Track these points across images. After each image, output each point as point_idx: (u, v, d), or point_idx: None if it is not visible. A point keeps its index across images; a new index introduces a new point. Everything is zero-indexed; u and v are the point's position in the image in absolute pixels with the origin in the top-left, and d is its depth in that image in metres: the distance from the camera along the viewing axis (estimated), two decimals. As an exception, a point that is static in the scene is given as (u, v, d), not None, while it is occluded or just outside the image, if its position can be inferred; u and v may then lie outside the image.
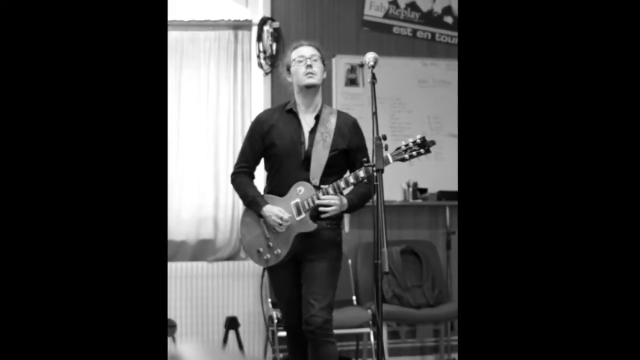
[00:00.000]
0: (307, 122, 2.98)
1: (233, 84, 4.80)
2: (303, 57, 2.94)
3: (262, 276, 3.12)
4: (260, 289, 4.65)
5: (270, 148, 2.98)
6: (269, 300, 4.47)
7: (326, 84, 5.07)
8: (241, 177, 3.05)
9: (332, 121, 2.97)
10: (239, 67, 4.83)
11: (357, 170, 2.83)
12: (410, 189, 4.96)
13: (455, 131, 5.11)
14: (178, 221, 4.70)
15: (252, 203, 2.98)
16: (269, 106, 4.86)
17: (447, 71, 5.16)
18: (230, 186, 4.83)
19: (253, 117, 4.91)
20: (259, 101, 4.91)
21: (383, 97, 4.90)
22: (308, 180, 2.91)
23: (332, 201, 2.84)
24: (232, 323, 4.51)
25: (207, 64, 4.79)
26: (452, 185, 4.89)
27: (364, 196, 2.95)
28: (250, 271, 4.67)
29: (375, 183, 2.38)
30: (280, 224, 2.90)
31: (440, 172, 5.02)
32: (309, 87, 2.95)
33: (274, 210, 2.91)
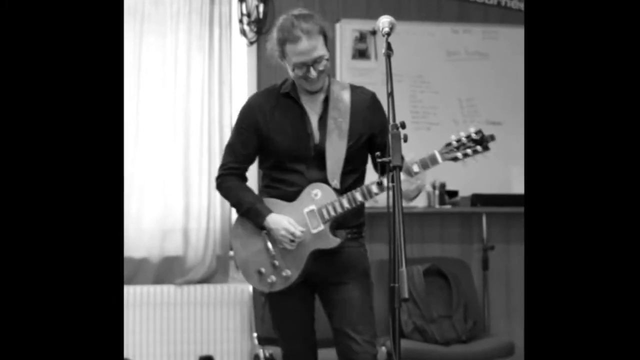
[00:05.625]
0: (312, 108, 2.96)
1: (208, 57, 4.80)
2: (304, 64, 2.84)
3: (265, 304, 3.06)
4: (247, 320, 4.65)
5: (268, 144, 2.95)
6: (255, 334, 4.47)
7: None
8: (231, 180, 3.01)
9: (346, 100, 2.95)
10: (215, 35, 4.83)
11: (377, 181, 2.82)
12: (437, 192, 4.96)
13: (495, 118, 5.12)
14: (137, 234, 4.69)
15: (251, 212, 2.94)
16: (254, 85, 4.87)
17: (483, 40, 5.16)
18: (204, 190, 4.92)
19: (233, 100, 4.99)
20: (242, 79, 4.90)
21: (401, 74, 4.90)
22: (324, 181, 2.89)
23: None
24: (207, 364, 4.50)
25: (174, 31, 4.79)
26: (490, 187, 4.90)
27: None
28: (230, 297, 4.67)
29: (391, 184, 2.37)
30: (293, 240, 2.86)
31: (475, 171, 4.96)
32: (310, 93, 2.94)
33: (282, 222, 2.86)
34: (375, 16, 2.82)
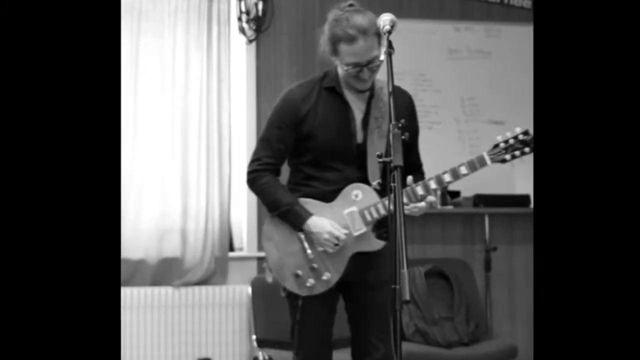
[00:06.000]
0: (357, 105, 2.90)
1: (206, 56, 4.80)
2: (358, 64, 2.77)
3: (300, 309, 2.87)
4: (246, 322, 4.65)
5: (308, 140, 2.87)
6: (254, 337, 4.47)
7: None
8: (266, 176, 2.90)
9: (385, 99, 2.88)
10: (214, 33, 4.83)
11: (427, 180, 2.82)
12: (439, 192, 4.95)
13: (497, 117, 5.12)
14: (135, 234, 4.69)
15: (289, 213, 2.85)
16: (253, 84, 4.87)
17: (486, 38, 5.16)
18: (203, 191, 4.90)
19: (232, 100, 4.99)
20: (241, 78, 4.90)
21: (403, 72, 4.90)
22: (365, 182, 2.85)
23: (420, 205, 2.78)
24: (205, 367, 4.50)
25: (172, 29, 4.79)
26: (492, 187, 4.90)
27: None
28: (229, 299, 4.67)
29: (392, 184, 2.37)
30: (337, 244, 2.80)
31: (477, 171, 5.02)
32: (360, 92, 2.88)
33: (325, 225, 2.80)
34: (376, 14, 2.82)
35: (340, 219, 2.82)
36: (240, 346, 4.64)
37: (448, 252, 5.07)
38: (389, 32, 2.61)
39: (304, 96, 2.88)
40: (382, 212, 2.79)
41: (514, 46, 5.14)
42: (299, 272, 2.84)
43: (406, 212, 2.74)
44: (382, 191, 2.82)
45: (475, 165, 2.83)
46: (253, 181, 2.92)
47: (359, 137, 2.86)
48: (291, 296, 2.88)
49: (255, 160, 2.92)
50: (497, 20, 5.18)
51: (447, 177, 2.84)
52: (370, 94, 2.89)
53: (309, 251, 2.84)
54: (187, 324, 4.64)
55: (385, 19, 2.64)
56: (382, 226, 2.86)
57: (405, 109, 2.89)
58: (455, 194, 5.00)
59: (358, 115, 2.88)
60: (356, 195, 2.82)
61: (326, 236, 2.79)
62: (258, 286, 4.59)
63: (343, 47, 2.77)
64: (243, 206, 4.90)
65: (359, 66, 2.76)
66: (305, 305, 2.87)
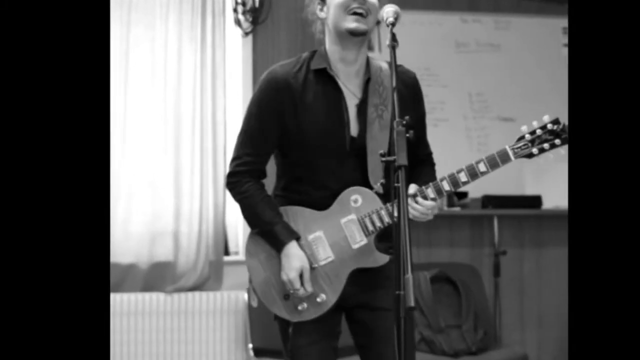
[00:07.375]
0: (350, 89, 2.60)
1: (200, 49, 4.80)
2: None
3: (292, 337, 2.58)
4: (242, 330, 4.65)
5: (293, 134, 2.56)
6: (250, 345, 4.47)
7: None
8: (247, 182, 2.61)
9: (386, 83, 2.61)
10: (208, 25, 4.83)
11: (439, 181, 2.58)
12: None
13: (507, 113, 5.12)
14: (125, 238, 4.69)
15: (269, 235, 2.57)
16: (249, 79, 4.87)
17: (495, 31, 5.16)
18: (196, 191, 4.89)
19: (227, 95, 4.99)
20: (236, 72, 4.90)
21: (407, 66, 4.89)
22: (365, 184, 2.56)
23: (426, 207, 2.55)
24: (199, 377, 4.50)
25: (164, 21, 4.79)
26: (502, 187, 4.90)
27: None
28: (224, 305, 4.67)
29: (395, 184, 2.34)
30: (297, 290, 2.51)
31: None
32: (355, 35, 2.57)
33: (294, 263, 2.51)
34: (380, 4, 2.81)
35: (337, 229, 2.56)
36: (235, 355, 4.64)
37: (455, 256, 5.07)
38: (393, 25, 2.53)
39: (288, 79, 2.56)
40: (387, 219, 2.53)
41: (524, 39, 5.14)
42: (289, 293, 2.57)
43: (410, 216, 2.53)
44: (386, 195, 2.53)
45: (497, 161, 2.52)
46: (232, 187, 2.65)
47: (354, 130, 2.56)
48: (281, 320, 2.62)
49: (235, 159, 2.63)
50: (506, 11, 5.19)
51: (462, 177, 2.56)
52: (367, 77, 2.60)
53: None
54: (180, 331, 4.65)
55: (388, 11, 2.48)
56: (386, 238, 2.54)
57: (409, 91, 2.63)
58: (463, 194, 5.00)
59: (352, 102, 2.58)
60: (355, 201, 2.55)
61: (284, 277, 2.52)
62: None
63: None
64: (239, 207, 4.90)
65: None
66: (298, 332, 2.58)
